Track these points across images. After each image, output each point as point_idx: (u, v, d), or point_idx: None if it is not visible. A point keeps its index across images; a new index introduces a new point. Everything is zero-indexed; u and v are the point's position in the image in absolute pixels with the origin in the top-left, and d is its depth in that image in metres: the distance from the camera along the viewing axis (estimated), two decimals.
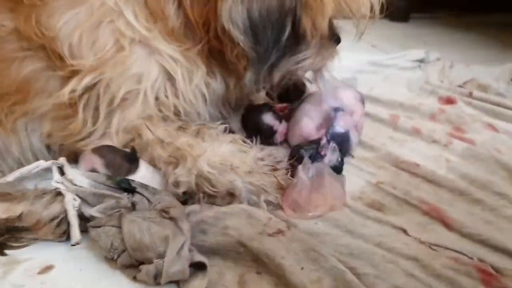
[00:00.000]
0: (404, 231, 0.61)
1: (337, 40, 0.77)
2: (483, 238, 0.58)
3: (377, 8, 0.71)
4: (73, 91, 0.64)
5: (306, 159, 0.71)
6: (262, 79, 0.70)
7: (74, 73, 0.64)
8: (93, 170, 0.64)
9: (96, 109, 0.67)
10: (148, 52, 0.66)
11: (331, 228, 0.62)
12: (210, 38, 0.68)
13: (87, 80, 0.64)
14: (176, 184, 0.62)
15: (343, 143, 0.76)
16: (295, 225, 0.61)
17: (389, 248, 0.58)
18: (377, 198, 0.69)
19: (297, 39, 0.67)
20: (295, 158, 0.73)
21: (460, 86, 1.11)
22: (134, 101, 0.67)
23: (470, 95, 1.03)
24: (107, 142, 0.67)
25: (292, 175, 0.69)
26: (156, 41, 0.66)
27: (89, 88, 0.65)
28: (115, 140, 0.67)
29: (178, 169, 0.62)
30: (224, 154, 0.65)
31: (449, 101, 1.02)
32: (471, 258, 0.56)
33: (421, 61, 1.30)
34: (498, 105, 0.97)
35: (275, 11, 0.63)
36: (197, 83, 0.69)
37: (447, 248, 0.58)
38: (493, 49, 1.61)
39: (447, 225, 0.62)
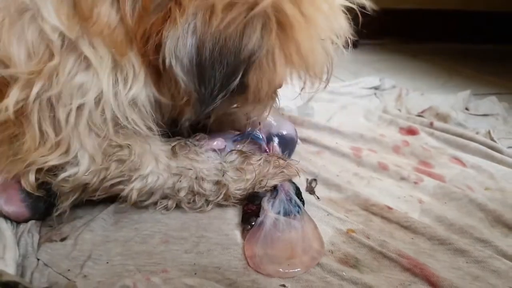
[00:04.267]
0: None
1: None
2: None
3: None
4: (19, 102, 0.50)
5: (266, 201, 0.61)
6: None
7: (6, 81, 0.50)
8: None
9: (53, 119, 0.52)
10: (77, 59, 0.52)
11: None
12: (148, 52, 0.53)
13: (37, 87, 0.50)
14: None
15: (288, 145, 0.77)
16: None
17: None
18: (350, 252, 0.58)
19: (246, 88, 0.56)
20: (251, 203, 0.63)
21: (419, 115, 1.07)
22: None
23: (431, 125, 0.99)
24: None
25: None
26: (85, 47, 0.51)
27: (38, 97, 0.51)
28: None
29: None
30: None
31: (411, 131, 0.97)
32: None
33: (376, 88, 1.26)
34: (461, 136, 0.93)
35: (230, 54, 0.51)
36: (134, 94, 0.54)
37: None
38: (439, 76, 1.63)
39: (433, 284, 0.53)
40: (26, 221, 0.59)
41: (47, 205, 0.58)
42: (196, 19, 0.49)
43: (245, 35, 0.50)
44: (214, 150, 0.65)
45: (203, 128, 0.71)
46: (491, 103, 1.15)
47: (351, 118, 1.03)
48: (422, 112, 1.08)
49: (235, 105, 0.67)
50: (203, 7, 0.49)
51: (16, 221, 0.58)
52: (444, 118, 1.03)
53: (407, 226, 0.64)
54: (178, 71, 0.51)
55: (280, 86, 0.61)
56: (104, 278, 0.51)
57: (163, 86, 0.57)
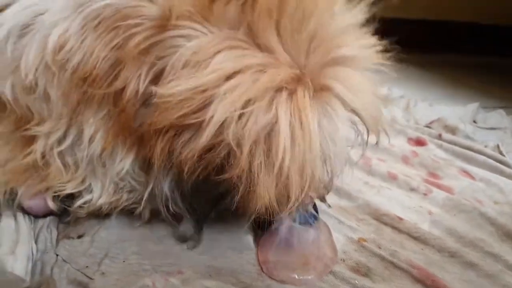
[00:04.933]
0: None
1: None
2: None
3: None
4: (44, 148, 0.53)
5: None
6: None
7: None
8: None
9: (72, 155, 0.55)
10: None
11: None
12: None
13: (53, 138, 0.53)
14: None
15: None
16: None
17: None
18: (362, 260, 0.59)
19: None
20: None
21: (427, 126, 1.07)
22: None
23: (439, 137, 0.99)
24: None
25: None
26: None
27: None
28: None
29: None
30: None
31: (419, 142, 0.98)
32: None
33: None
34: (469, 149, 0.93)
35: (211, 187, 0.49)
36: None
37: None
38: (446, 87, 1.64)
39: None
40: (45, 215, 0.59)
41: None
42: (170, 163, 0.49)
43: (223, 172, 0.47)
44: None
45: None
46: (499, 116, 1.16)
47: None
48: (431, 123, 1.09)
49: None
50: (174, 155, 0.48)
51: (35, 216, 0.59)
52: (452, 130, 1.04)
53: (417, 237, 0.65)
54: (158, 202, 0.53)
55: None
56: (121, 276, 0.52)
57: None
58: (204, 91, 0.43)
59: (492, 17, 2.14)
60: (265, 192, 0.46)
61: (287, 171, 0.45)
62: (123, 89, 0.48)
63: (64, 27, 0.48)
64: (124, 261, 0.55)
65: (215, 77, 0.43)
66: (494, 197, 0.78)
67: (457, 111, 1.19)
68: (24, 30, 0.50)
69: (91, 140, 0.52)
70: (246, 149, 0.44)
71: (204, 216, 0.54)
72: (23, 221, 0.57)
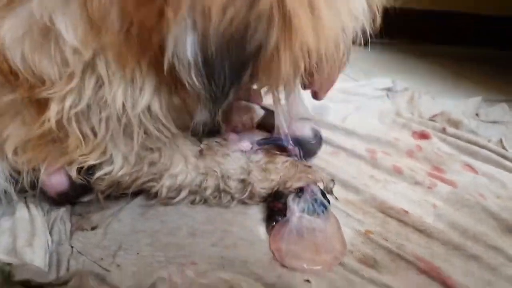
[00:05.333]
0: None
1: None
2: None
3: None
4: (58, 113, 0.52)
5: (291, 200, 0.64)
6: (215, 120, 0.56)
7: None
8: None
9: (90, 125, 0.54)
10: (96, 78, 0.52)
11: None
12: (151, 55, 0.51)
13: (69, 102, 0.52)
14: None
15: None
16: (282, 285, 0.51)
17: None
18: (369, 252, 0.61)
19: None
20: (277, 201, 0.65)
21: (431, 120, 1.08)
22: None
23: (443, 130, 1.00)
24: None
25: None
26: (100, 66, 0.51)
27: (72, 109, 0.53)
28: None
29: None
30: None
31: (423, 136, 0.99)
32: None
33: (388, 89, 1.28)
34: (472, 143, 0.95)
35: (237, 48, 0.46)
36: (146, 102, 0.54)
37: None
38: (448, 79, 1.64)
39: (449, 287, 0.56)
40: (63, 195, 0.60)
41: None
42: (195, 14, 0.44)
43: (250, 28, 0.45)
44: (241, 151, 0.67)
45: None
46: (501, 110, 1.17)
47: (365, 119, 1.05)
48: (434, 116, 1.10)
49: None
50: (199, 1, 0.44)
51: (53, 197, 0.60)
52: (455, 124, 1.05)
53: (422, 230, 0.66)
54: (182, 73, 0.47)
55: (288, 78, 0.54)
56: (137, 268, 0.53)
57: (179, 91, 0.55)
58: None
59: (497, 8, 2.13)
60: (298, 22, 0.44)
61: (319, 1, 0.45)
62: None
63: None
64: (138, 253, 0.56)
65: None
66: (497, 192, 0.79)
67: (459, 104, 1.20)
68: None
69: (110, 82, 0.50)
70: None
71: (223, 96, 0.49)
72: (37, 213, 0.58)
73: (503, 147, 0.94)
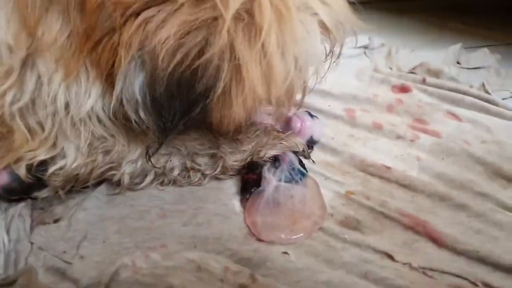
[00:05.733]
0: (390, 257, 0.50)
1: None
2: (481, 255, 0.50)
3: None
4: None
5: (266, 170, 0.60)
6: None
7: None
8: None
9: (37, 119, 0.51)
10: (36, 74, 0.49)
11: (306, 258, 0.50)
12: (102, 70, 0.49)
13: (10, 97, 0.48)
14: None
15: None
16: (261, 265, 0.48)
17: (377, 279, 0.47)
18: (350, 213, 0.58)
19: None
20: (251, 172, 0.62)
21: (410, 72, 1.04)
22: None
23: (423, 81, 0.96)
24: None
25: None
26: (39, 63, 0.48)
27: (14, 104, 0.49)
28: None
29: None
30: None
31: (404, 89, 0.95)
32: (475, 284, 0.46)
33: (366, 47, 1.23)
34: (454, 90, 0.91)
35: (186, 90, 0.45)
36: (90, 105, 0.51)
37: (444, 272, 0.48)
38: (429, 32, 1.59)
39: (436, 240, 0.53)
40: (8, 189, 0.55)
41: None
42: (144, 55, 0.44)
43: (198, 72, 0.44)
44: None
45: None
46: (483, 55, 1.13)
47: (342, 79, 1.00)
48: (414, 68, 1.06)
49: None
50: (148, 41, 0.43)
51: (6, 199, 0.56)
52: (436, 73, 1.01)
53: (406, 185, 0.63)
54: (129, 111, 0.47)
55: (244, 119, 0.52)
56: (101, 258, 0.50)
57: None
58: None
59: None
60: (247, 73, 0.44)
61: (269, 48, 0.43)
62: None
63: None
64: (104, 242, 0.53)
65: None
66: (482, 137, 0.76)
67: (439, 54, 1.16)
68: None
69: (50, 80, 0.48)
70: (228, 17, 0.41)
71: (172, 127, 0.48)
72: None
73: (486, 91, 0.90)
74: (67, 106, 0.50)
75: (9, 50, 0.47)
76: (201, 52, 0.43)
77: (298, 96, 0.59)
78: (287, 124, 0.70)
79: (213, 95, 0.46)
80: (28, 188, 0.55)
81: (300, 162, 0.63)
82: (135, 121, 0.48)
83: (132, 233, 0.54)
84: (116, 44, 0.45)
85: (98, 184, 0.61)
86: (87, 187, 0.59)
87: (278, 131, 0.66)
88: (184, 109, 0.47)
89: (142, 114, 0.47)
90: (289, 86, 0.49)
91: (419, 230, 0.54)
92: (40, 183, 0.55)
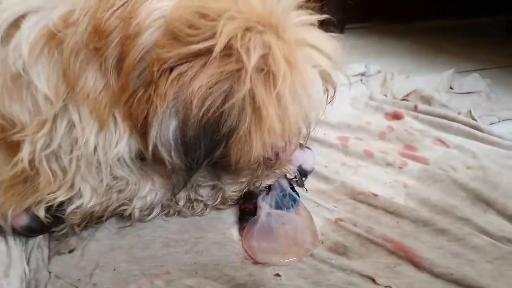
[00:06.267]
0: (373, 280, 0.55)
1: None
2: (455, 278, 0.54)
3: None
4: (30, 154, 0.55)
5: (260, 199, 0.66)
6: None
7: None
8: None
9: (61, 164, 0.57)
10: (68, 123, 0.56)
11: (296, 281, 0.55)
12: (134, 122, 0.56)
13: (40, 144, 0.54)
14: None
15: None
16: (252, 284, 0.53)
17: None
18: (339, 240, 0.62)
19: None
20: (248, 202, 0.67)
21: (403, 99, 1.10)
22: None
23: (415, 108, 1.02)
24: None
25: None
26: (72, 113, 0.55)
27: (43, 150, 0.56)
28: None
29: None
30: None
31: (396, 116, 1.00)
32: None
33: (362, 74, 1.29)
34: (444, 117, 0.96)
35: (212, 132, 0.52)
36: (118, 152, 0.58)
37: None
38: (426, 55, 1.65)
39: (416, 264, 0.57)
40: (27, 228, 0.61)
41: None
42: (178, 104, 0.51)
43: (223, 116, 0.51)
44: None
45: None
46: (474, 80, 1.18)
47: (338, 107, 1.05)
48: (407, 95, 1.11)
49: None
50: (182, 92, 0.50)
51: (26, 236, 0.62)
52: (428, 100, 1.06)
53: (392, 211, 0.68)
54: (163, 153, 0.53)
55: (259, 158, 0.60)
56: (111, 285, 0.55)
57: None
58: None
59: None
60: (267, 114, 0.51)
61: (284, 92, 0.51)
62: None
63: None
64: (114, 270, 0.58)
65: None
66: (467, 163, 0.81)
67: (434, 79, 1.21)
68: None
69: (82, 129, 0.54)
70: (250, 67, 0.48)
71: (197, 166, 0.55)
72: (14, 244, 0.60)
73: (473, 118, 0.95)
74: (94, 152, 0.56)
75: (47, 101, 0.53)
76: (227, 98, 0.50)
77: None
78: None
79: (236, 135, 0.52)
80: (46, 227, 0.61)
81: (292, 188, 0.68)
82: (168, 162, 0.54)
83: (139, 262, 0.59)
84: (151, 95, 0.52)
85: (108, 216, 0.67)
86: (101, 222, 0.66)
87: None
88: (208, 150, 0.53)
89: (173, 155, 0.53)
90: (299, 125, 0.57)
91: (402, 254, 0.59)
92: (57, 221, 0.61)
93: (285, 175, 0.71)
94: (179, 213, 0.68)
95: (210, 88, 0.50)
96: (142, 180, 0.62)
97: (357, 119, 1.00)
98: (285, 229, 0.62)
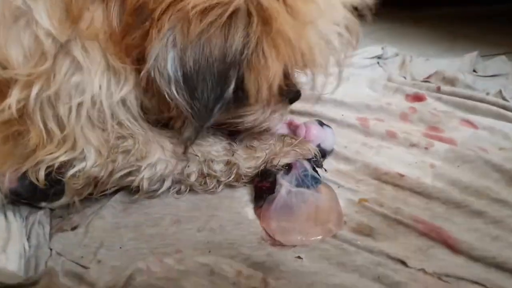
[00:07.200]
0: (403, 263, 0.50)
1: (293, 98, 0.65)
2: (498, 261, 0.49)
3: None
4: (20, 101, 0.50)
5: (280, 176, 0.61)
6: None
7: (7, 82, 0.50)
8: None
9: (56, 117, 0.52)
10: (71, 62, 0.51)
11: (319, 262, 0.50)
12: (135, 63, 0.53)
13: (36, 88, 0.50)
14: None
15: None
16: (273, 268, 0.48)
17: (391, 283, 0.46)
18: (364, 221, 0.58)
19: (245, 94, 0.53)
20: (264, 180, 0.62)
21: (425, 81, 1.04)
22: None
23: (438, 89, 0.96)
24: None
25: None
26: (76, 51, 0.50)
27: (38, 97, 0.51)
28: None
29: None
30: None
31: (418, 98, 0.94)
32: None
33: (379, 57, 1.23)
34: (470, 98, 0.90)
35: (217, 61, 0.48)
36: (123, 94, 0.53)
37: (460, 278, 0.47)
38: (443, 41, 1.58)
39: (451, 247, 0.52)
40: (14, 192, 0.57)
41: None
42: (174, 31, 0.47)
43: (227, 36, 0.47)
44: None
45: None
46: (500, 63, 1.12)
47: (355, 89, 1.00)
48: (428, 77, 1.05)
49: (241, 114, 0.61)
50: (179, 19, 0.47)
51: (6, 193, 0.57)
52: (451, 81, 1.00)
53: (420, 192, 0.63)
54: (162, 85, 0.49)
55: (281, 84, 0.54)
56: (118, 263, 0.51)
57: (151, 97, 0.56)
58: None
59: None
60: (277, 20, 0.46)
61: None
62: None
63: None
64: (121, 248, 0.54)
65: None
66: (499, 144, 0.75)
67: (455, 62, 1.15)
68: None
69: (87, 68, 0.50)
70: None
71: (207, 110, 0.50)
72: (14, 219, 0.56)
73: (503, 98, 0.89)
74: (96, 97, 0.51)
75: (48, 36, 0.49)
76: (226, 9, 0.46)
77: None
78: (293, 133, 0.71)
79: (246, 57, 0.48)
80: (33, 196, 0.57)
81: (314, 169, 0.63)
82: (169, 97, 0.49)
83: (148, 240, 0.55)
84: (150, 31, 0.48)
85: (114, 193, 0.63)
86: (105, 195, 0.61)
87: (291, 137, 0.67)
88: (217, 86, 0.49)
89: (173, 89, 0.48)
90: (317, 39, 0.52)
91: (434, 236, 0.54)
92: (46, 193, 0.56)
93: (306, 158, 0.66)
94: (191, 189, 0.63)
95: (208, 7, 0.46)
96: (150, 143, 0.58)
97: (376, 100, 0.94)
98: (307, 208, 0.57)
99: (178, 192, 0.63)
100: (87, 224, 0.57)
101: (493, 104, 0.87)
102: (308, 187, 0.60)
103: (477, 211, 0.58)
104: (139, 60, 0.51)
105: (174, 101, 0.50)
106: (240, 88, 0.52)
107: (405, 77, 1.08)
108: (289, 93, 0.63)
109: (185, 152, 0.58)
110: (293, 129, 0.73)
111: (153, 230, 0.57)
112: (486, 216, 0.57)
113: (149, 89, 0.54)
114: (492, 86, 0.99)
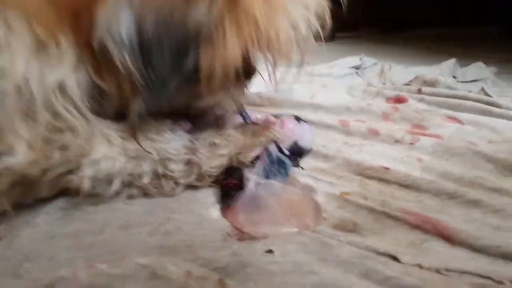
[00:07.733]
0: (395, 258, 0.41)
1: (248, 76, 0.59)
2: (504, 251, 0.41)
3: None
4: None
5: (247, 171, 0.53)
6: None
7: None
8: None
9: None
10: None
11: (294, 256, 0.41)
12: (82, 33, 0.45)
13: None
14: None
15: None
16: (238, 271, 0.39)
17: (382, 279, 0.38)
18: (346, 216, 0.49)
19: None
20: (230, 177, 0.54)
21: (406, 85, 0.99)
22: None
23: (419, 91, 0.91)
24: None
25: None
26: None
27: None
28: None
29: None
30: None
31: (399, 100, 0.89)
32: (501, 282, 0.37)
33: (357, 68, 1.19)
34: (453, 97, 0.85)
35: (177, 27, 0.44)
36: (58, 78, 0.45)
37: (463, 272, 0.39)
38: (422, 55, 1.58)
39: (448, 238, 0.44)
40: None
41: None
42: None
43: (191, 4, 0.43)
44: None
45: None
46: (478, 69, 1.09)
47: (334, 95, 0.95)
48: (410, 82, 1.01)
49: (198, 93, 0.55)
50: None
51: None
52: (432, 84, 0.96)
53: (408, 184, 0.55)
54: (114, 51, 0.43)
55: (236, 66, 0.49)
56: (41, 275, 0.40)
57: (106, 74, 0.48)
58: None
59: None
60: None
61: None
62: None
63: None
64: (51, 259, 0.44)
65: None
66: (487, 137, 0.69)
67: (434, 70, 1.11)
68: None
69: (13, 45, 0.42)
70: None
71: (162, 84, 0.44)
72: None
73: (487, 94, 0.84)
74: (21, 82, 0.43)
75: None
76: None
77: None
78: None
79: (205, 31, 0.43)
80: None
81: (281, 151, 0.56)
82: (121, 64, 0.43)
83: (87, 248, 0.45)
84: None
85: (51, 201, 0.53)
86: (43, 201, 0.51)
87: (254, 124, 0.60)
88: (174, 58, 0.44)
89: (127, 57, 0.42)
90: (288, 27, 0.48)
91: (428, 228, 0.45)
92: None
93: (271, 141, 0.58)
94: (144, 192, 0.54)
95: None
96: (94, 138, 0.49)
97: (356, 103, 0.88)
98: (279, 199, 0.49)
99: (130, 197, 0.54)
100: (13, 235, 0.47)
101: (477, 100, 0.82)
102: (275, 175, 0.52)
103: (474, 200, 0.50)
104: (81, 30, 0.44)
105: (125, 67, 0.43)
106: (195, 66, 0.46)
107: (384, 84, 1.04)
108: (246, 77, 0.56)
109: (134, 136, 0.49)
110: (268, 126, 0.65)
111: (95, 238, 0.47)
112: (484, 205, 0.49)
113: (99, 64, 0.46)
114: (473, 88, 0.94)
